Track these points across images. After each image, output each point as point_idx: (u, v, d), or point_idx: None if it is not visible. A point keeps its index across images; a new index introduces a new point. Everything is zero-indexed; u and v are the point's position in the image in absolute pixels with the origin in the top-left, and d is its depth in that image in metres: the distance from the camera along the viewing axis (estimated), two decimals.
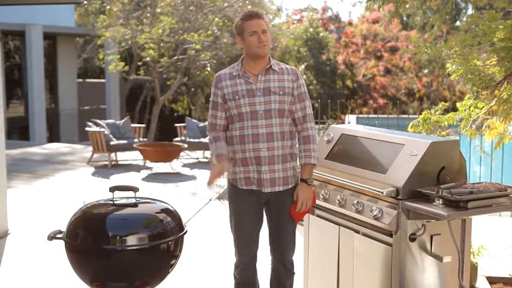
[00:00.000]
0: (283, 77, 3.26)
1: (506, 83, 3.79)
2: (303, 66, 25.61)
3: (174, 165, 10.81)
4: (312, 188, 3.29)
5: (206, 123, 3.79)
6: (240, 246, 3.35)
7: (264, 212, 3.35)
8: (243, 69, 3.25)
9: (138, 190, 3.06)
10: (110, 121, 11.73)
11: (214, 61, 15.83)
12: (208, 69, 16.52)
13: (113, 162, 10.85)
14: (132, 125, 11.92)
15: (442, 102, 4.67)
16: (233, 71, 3.28)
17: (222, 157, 3.22)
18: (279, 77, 3.25)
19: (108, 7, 15.46)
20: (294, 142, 3.31)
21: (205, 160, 11.43)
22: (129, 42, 14.50)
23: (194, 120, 12.14)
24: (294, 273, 3.41)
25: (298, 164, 3.34)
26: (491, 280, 4.61)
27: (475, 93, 3.95)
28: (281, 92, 3.22)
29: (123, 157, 11.60)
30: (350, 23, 28.40)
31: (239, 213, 3.32)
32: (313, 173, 3.51)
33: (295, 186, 3.30)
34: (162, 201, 3.21)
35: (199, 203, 7.66)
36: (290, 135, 3.28)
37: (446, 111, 4.66)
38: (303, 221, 3.86)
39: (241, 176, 3.27)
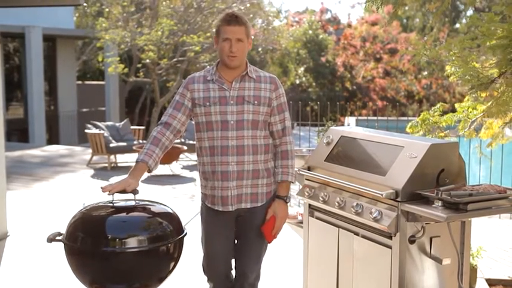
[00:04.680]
0: (259, 85, 2.99)
1: (505, 84, 3.79)
2: (302, 68, 25.62)
3: (174, 168, 10.81)
4: (288, 206, 3.11)
5: None
6: (207, 265, 3.18)
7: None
8: (217, 74, 3.00)
9: (138, 192, 3.05)
10: (109, 123, 11.74)
11: (214, 63, 15.83)
12: None
13: (112, 164, 10.85)
14: (132, 127, 11.92)
15: (441, 103, 4.66)
16: (207, 74, 3.03)
17: (139, 168, 2.87)
18: (255, 85, 2.98)
19: (107, 9, 15.48)
20: (268, 156, 3.05)
21: None
22: (129, 44, 14.52)
23: (194, 122, 12.13)
24: None
25: (273, 179, 3.10)
26: (491, 282, 4.61)
27: (474, 95, 3.94)
28: (256, 102, 2.96)
29: (122, 159, 11.60)
30: (349, 25, 28.40)
31: (208, 232, 3.16)
32: (313, 175, 3.46)
33: (267, 203, 3.06)
34: (161, 204, 3.20)
35: (198, 205, 7.64)
36: (265, 148, 3.02)
37: (445, 112, 4.65)
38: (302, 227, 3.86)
39: (208, 191, 3.10)
